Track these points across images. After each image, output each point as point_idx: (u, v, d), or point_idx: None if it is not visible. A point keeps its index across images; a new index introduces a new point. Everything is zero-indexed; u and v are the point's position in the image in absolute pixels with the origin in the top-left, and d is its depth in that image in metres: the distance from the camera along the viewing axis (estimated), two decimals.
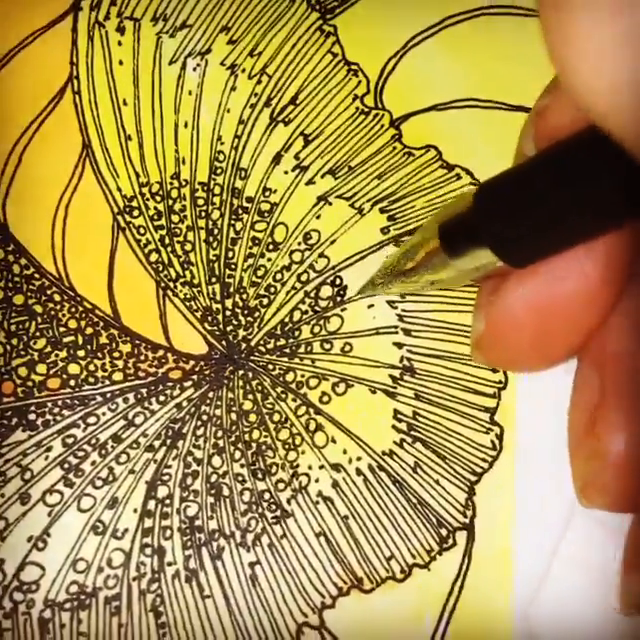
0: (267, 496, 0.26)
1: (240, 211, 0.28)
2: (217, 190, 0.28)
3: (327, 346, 0.27)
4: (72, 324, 0.27)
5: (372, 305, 0.27)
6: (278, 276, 0.28)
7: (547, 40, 0.14)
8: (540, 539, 0.26)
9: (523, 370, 0.26)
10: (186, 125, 0.28)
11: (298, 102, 0.29)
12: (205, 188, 0.28)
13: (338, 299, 0.27)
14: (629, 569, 0.22)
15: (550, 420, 0.27)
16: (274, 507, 0.26)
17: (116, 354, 0.27)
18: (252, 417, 0.27)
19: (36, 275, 0.27)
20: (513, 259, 0.21)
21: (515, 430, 0.27)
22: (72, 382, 0.26)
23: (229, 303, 0.27)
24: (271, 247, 0.28)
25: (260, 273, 0.28)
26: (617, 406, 0.21)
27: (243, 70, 0.29)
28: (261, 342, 0.27)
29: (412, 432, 0.27)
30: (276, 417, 0.27)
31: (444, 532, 0.26)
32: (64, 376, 0.26)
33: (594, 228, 0.19)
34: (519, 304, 0.21)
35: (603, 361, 0.21)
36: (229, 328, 0.27)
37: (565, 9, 0.13)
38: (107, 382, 0.26)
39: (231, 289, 0.27)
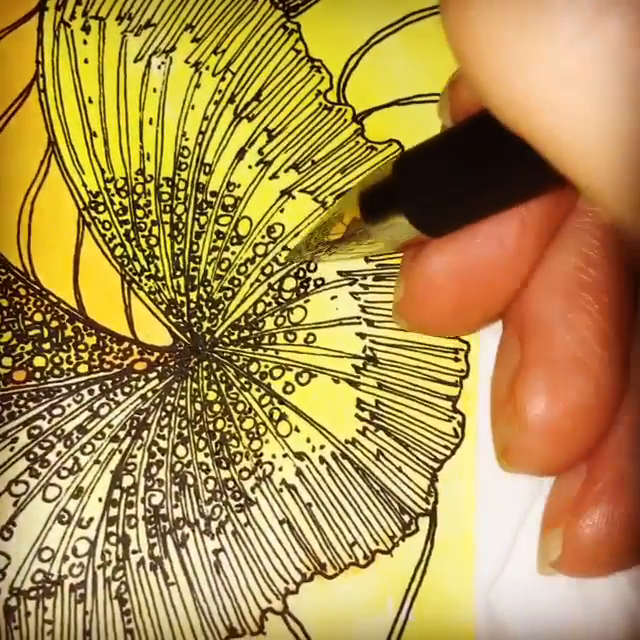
0: (231, 484, 0.26)
1: (204, 205, 0.28)
2: (182, 185, 0.28)
3: (291, 337, 0.28)
4: (37, 317, 0.27)
5: (335, 297, 0.28)
6: (242, 269, 0.28)
7: (453, 48, 0.14)
8: (501, 524, 0.27)
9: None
10: (151, 122, 0.29)
11: (262, 98, 0.29)
12: (170, 183, 0.28)
13: (301, 291, 0.28)
14: (547, 529, 0.23)
15: None
16: (238, 495, 0.26)
17: (81, 347, 0.27)
18: (216, 407, 0.27)
19: (2, 270, 0.27)
20: (429, 228, 0.21)
21: (476, 418, 0.28)
22: (37, 374, 0.27)
23: (193, 296, 0.28)
24: (235, 241, 0.28)
25: (224, 266, 0.28)
26: (536, 371, 0.21)
27: (207, 67, 0.29)
28: (225, 333, 0.28)
29: (375, 420, 0.27)
30: (240, 407, 0.27)
31: (407, 518, 0.27)
32: (30, 368, 0.27)
33: (507, 199, 0.19)
34: (437, 270, 0.22)
35: (523, 327, 0.22)
36: (193, 320, 0.28)
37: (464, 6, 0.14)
38: (72, 374, 0.27)
39: (195, 282, 0.28)
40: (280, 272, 0.28)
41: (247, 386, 0.27)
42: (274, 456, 0.27)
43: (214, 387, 0.27)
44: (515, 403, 0.22)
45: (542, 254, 0.21)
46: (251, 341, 0.27)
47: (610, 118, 0.12)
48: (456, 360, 0.28)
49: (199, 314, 0.28)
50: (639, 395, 0.21)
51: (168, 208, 0.28)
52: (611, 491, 0.21)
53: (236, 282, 0.28)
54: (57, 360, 0.27)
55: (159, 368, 0.27)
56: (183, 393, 0.27)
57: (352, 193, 0.23)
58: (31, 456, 0.26)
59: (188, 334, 0.27)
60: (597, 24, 0.12)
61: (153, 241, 0.28)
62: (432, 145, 0.21)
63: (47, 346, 0.27)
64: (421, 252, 0.22)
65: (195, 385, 0.27)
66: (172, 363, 0.27)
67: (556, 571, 0.24)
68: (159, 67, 0.29)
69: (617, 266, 0.21)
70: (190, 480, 0.26)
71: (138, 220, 0.28)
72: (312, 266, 0.28)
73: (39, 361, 0.27)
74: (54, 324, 0.27)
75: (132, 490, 0.26)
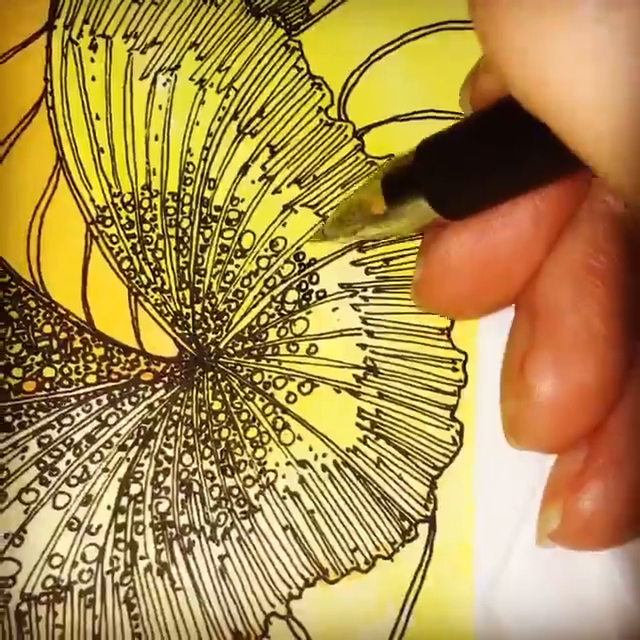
0: (236, 492, 0.27)
1: (209, 220, 0.29)
2: (187, 200, 0.29)
3: (293, 348, 0.28)
4: (47, 329, 0.28)
5: (336, 308, 0.29)
6: (246, 281, 0.29)
7: (479, 31, 0.15)
8: (499, 530, 0.27)
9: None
10: (157, 138, 0.30)
11: (264, 115, 0.30)
12: (175, 198, 0.29)
13: (304, 303, 0.29)
14: (547, 502, 0.24)
15: None
16: (243, 502, 0.27)
17: (90, 357, 0.28)
18: (221, 416, 0.28)
19: (12, 283, 0.28)
20: (448, 211, 0.22)
21: (475, 426, 0.28)
22: (47, 385, 0.27)
23: (199, 308, 0.28)
24: (239, 254, 0.29)
25: (228, 279, 0.29)
26: (546, 350, 0.22)
27: (211, 85, 0.30)
28: (229, 345, 0.28)
29: (375, 429, 0.28)
30: (244, 416, 0.28)
31: (407, 525, 0.27)
32: (39, 379, 0.27)
33: (524, 184, 0.20)
34: (455, 251, 0.23)
35: (535, 309, 0.23)
36: (199, 332, 0.28)
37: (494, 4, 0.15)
38: (81, 384, 0.28)
39: (200, 294, 0.29)
40: (283, 285, 0.29)
41: (251, 396, 0.28)
42: (277, 464, 0.27)
43: (219, 397, 0.28)
44: (524, 381, 0.22)
45: (555, 241, 0.22)
46: (255, 352, 0.28)
47: (620, 93, 0.13)
48: (454, 370, 0.28)
49: (204, 326, 0.28)
50: None
51: (174, 222, 0.29)
52: (611, 467, 0.22)
53: (240, 294, 0.29)
54: (66, 371, 0.28)
55: (165, 378, 0.28)
56: (189, 403, 0.28)
57: (375, 176, 0.24)
58: (41, 465, 0.27)
59: (193, 345, 0.28)
60: (614, 8, 0.13)
61: (159, 254, 0.29)
62: (453, 131, 0.21)
63: (56, 357, 0.28)
64: (440, 234, 0.23)
65: (200, 395, 0.28)
66: (178, 373, 0.28)
67: (554, 543, 0.24)
68: (164, 84, 0.30)
69: (627, 254, 0.22)
70: (196, 488, 0.27)
71: (144, 234, 0.29)
72: (314, 278, 0.29)
73: (49, 372, 0.27)
74: (63, 336, 0.28)
75: (140, 497, 0.27)
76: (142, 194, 0.29)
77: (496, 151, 0.19)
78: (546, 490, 0.25)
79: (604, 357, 0.22)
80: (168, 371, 0.28)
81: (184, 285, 0.29)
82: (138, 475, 0.27)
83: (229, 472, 0.27)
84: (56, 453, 0.27)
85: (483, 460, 0.28)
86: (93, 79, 0.30)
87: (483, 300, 0.24)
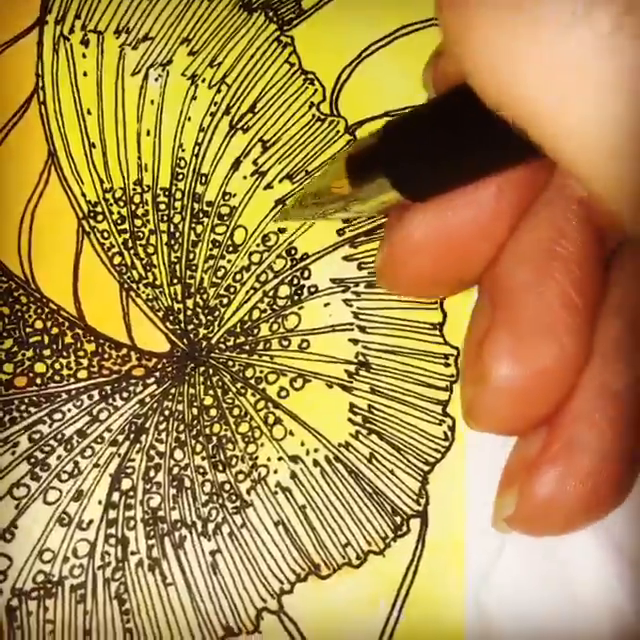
0: (227, 487, 0.27)
1: (201, 215, 0.29)
2: (178, 195, 0.29)
3: (285, 343, 0.28)
4: (38, 325, 0.28)
5: (328, 303, 0.29)
6: (238, 277, 0.29)
7: (446, 30, 0.15)
8: (491, 525, 0.27)
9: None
10: (148, 133, 0.29)
11: (256, 110, 0.30)
12: (167, 193, 0.29)
13: (295, 298, 0.29)
14: (503, 487, 0.24)
15: None
16: (234, 497, 0.27)
17: (81, 353, 0.28)
18: (213, 412, 0.28)
19: (3, 278, 0.28)
20: (411, 192, 0.22)
21: None
22: (38, 380, 0.27)
23: (190, 303, 0.28)
24: (231, 249, 0.29)
25: (220, 274, 0.29)
26: (504, 333, 0.22)
27: (203, 80, 0.30)
28: (221, 340, 0.28)
29: (367, 424, 0.28)
30: (236, 411, 0.28)
31: (398, 520, 0.27)
32: (30, 374, 0.27)
33: (486, 167, 0.20)
34: (418, 231, 0.23)
35: (496, 291, 0.23)
36: (190, 327, 0.28)
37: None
38: (72, 380, 0.27)
39: (192, 289, 0.28)
40: (275, 280, 0.29)
41: (243, 391, 0.28)
42: (269, 459, 0.27)
43: (211, 392, 0.28)
44: (482, 364, 0.22)
45: (517, 222, 0.22)
46: (246, 347, 0.28)
47: (592, 107, 0.13)
48: (446, 365, 0.28)
49: (196, 321, 0.28)
50: (601, 364, 0.22)
51: (165, 217, 0.29)
52: (566, 454, 0.22)
53: (232, 290, 0.29)
54: (57, 366, 0.27)
55: (157, 374, 0.28)
56: (180, 398, 0.28)
57: (340, 157, 0.24)
58: (32, 460, 0.27)
59: (185, 340, 0.28)
60: (583, 18, 0.13)
61: (151, 250, 0.29)
62: (416, 113, 0.22)
63: (47, 352, 0.28)
64: (403, 215, 0.23)
65: (192, 390, 0.28)
66: (169, 369, 0.28)
67: (509, 528, 0.24)
68: (156, 79, 0.30)
69: (589, 239, 0.22)
70: (187, 483, 0.27)
71: (136, 229, 0.29)
72: (306, 274, 0.29)
73: (40, 367, 0.27)
74: (54, 331, 0.28)
75: (131, 493, 0.27)
76: (134, 189, 0.29)
77: (458, 134, 0.19)
78: (503, 474, 0.25)
79: (563, 342, 0.22)
80: (159, 366, 0.28)
81: (176, 280, 0.28)
82: (129, 470, 0.27)
83: (221, 467, 0.27)
84: (47, 448, 0.27)
85: (475, 455, 0.28)
86: (85, 74, 0.30)
87: (445, 279, 0.24)
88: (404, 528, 0.27)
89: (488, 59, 0.14)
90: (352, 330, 0.28)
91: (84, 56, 0.30)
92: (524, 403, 0.22)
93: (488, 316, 0.23)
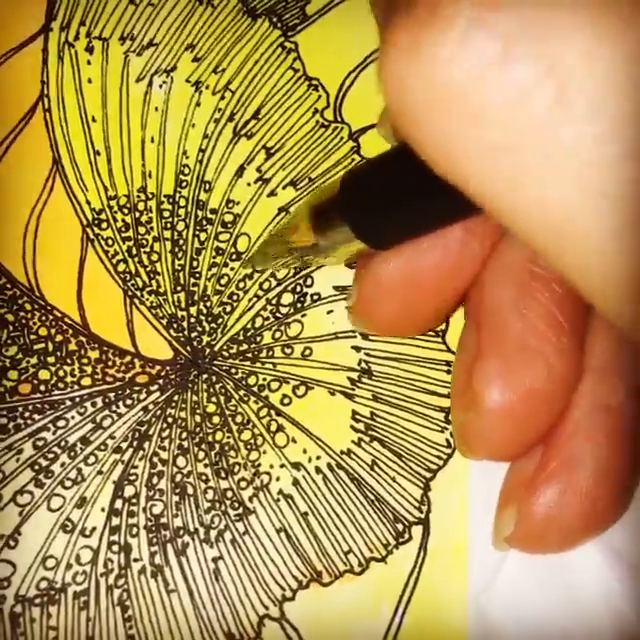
0: (230, 494, 0.27)
1: (204, 222, 0.29)
2: (182, 202, 0.29)
3: (288, 351, 0.28)
4: (42, 332, 0.28)
5: (331, 311, 0.29)
6: (241, 284, 0.29)
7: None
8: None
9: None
10: (153, 140, 0.30)
11: (260, 117, 0.30)
12: (171, 200, 0.29)
13: (298, 306, 0.29)
14: (502, 506, 0.24)
15: None
16: (236, 505, 0.27)
17: (85, 360, 0.28)
18: (216, 419, 0.28)
19: (8, 285, 0.28)
20: (373, 242, 0.22)
21: None
22: (42, 387, 0.28)
23: (194, 310, 0.29)
24: (234, 257, 0.29)
25: (223, 281, 0.29)
26: (492, 358, 0.22)
27: (207, 86, 0.30)
28: (224, 347, 0.28)
29: (370, 432, 0.28)
30: (239, 419, 0.28)
31: (400, 527, 0.27)
32: (35, 381, 0.28)
33: (445, 218, 0.20)
34: (385, 276, 0.23)
35: (480, 317, 0.23)
36: (194, 334, 0.28)
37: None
38: (76, 387, 0.28)
39: (195, 297, 0.29)
40: (278, 287, 0.29)
41: (245, 398, 0.28)
42: (271, 466, 0.28)
43: (213, 399, 0.28)
44: (472, 390, 0.22)
45: (492, 251, 0.22)
46: (249, 354, 0.28)
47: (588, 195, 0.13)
48: (449, 373, 0.28)
49: (199, 328, 0.28)
50: (595, 379, 0.22)
51: (169, 225, 0.29)
52: (563, 472, 0.22)
53: (235, 297, 0.29)
54: (61, 373, 0.28)
55: (160, 381, 0.28)
56: (183, 405, 0.28)
57: (303, 206, 0.24)
58: (36, 467, 0.27)
59: (188, 348, 0.28)
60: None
61: (154, 257, 0.29)
62: (374, 164, 0.21)
63: (52, 360, 0.28)
64: (371, 258, 0.23)
65: (195, 397, 0.28)
66: (173, 376, 0.28)
67: (509, 546, 0.25)
68: (160, 86, 0.30)
69: None
70: (190, 490, 0.27)
71: (140, 237, 0.29)
72: (309, 281, 0.29)
73: (44, 374, 0.28)
74: (58, 338, 0.28)
75: (134, 500, 0.27)
76: (138, 197, 0.29)
77: (413, 185, 0.19)
78: (501, 494, 0.25)
79: (552, 363, 0.22)
80: (163, 374, 0.28)
81: (179, 288, 0.29)
82: (132, 477, 0.27)
83: (223, 474, 0.27)
84: (51, 455, 0.27)
85: (477, 463, 0.28)
86: (89, 81, 0.30)
87: (416, 318, 0.25)
88: (406, 535, 0.27)
89: (430, 139, 0.14)
90: (355, 337, 0.29)
91: (89, 63, 0.30)
92: (518, 426, 0.22)
93: (475, 341, 0.23)
